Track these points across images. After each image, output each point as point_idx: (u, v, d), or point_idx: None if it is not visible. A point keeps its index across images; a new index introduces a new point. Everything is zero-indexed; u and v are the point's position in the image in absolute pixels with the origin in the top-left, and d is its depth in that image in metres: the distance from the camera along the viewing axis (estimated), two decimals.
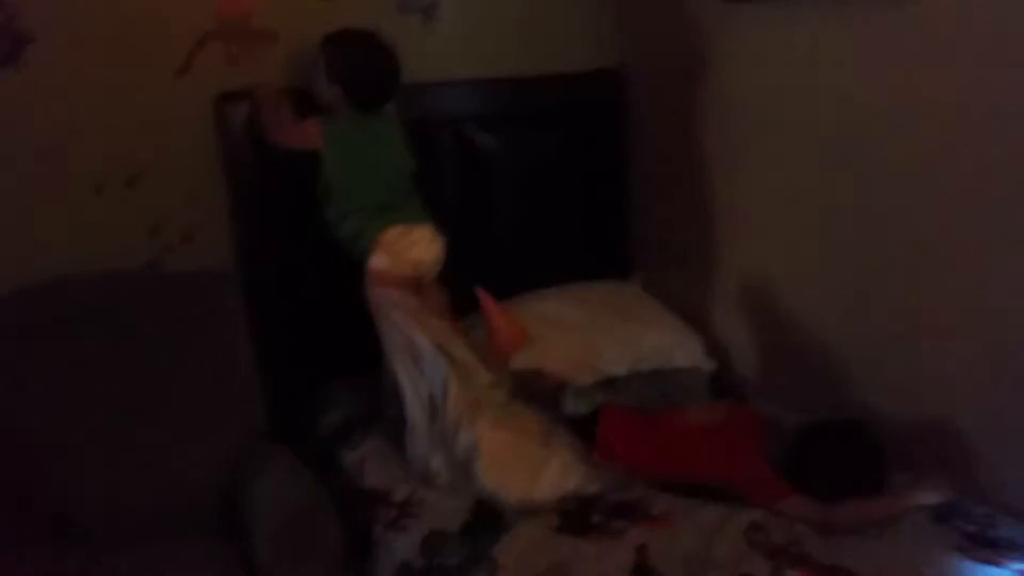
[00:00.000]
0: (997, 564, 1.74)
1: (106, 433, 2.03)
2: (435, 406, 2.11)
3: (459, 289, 2.41)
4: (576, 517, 1.90)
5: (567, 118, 2.82)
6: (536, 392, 2.25)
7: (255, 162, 2.35)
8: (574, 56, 2.81)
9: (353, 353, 2.35)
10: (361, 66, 2.25)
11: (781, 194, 2.46)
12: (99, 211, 2.27)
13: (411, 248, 2.29)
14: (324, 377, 2.50)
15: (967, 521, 1.89)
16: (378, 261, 2.26)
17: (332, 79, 2.24)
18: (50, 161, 2.20)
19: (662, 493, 1.98)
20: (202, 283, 2.30)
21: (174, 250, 2.38)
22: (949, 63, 1.97)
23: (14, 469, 1.94)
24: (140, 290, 2.24)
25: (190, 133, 2.34)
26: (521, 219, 2.80)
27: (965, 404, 2.07)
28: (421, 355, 2.16)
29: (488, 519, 1.95)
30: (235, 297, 2.32)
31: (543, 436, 2.07)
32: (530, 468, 1.98)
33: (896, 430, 2.13)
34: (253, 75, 2.33)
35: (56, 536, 1.93)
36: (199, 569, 1.91)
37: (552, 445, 2.05)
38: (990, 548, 1.79)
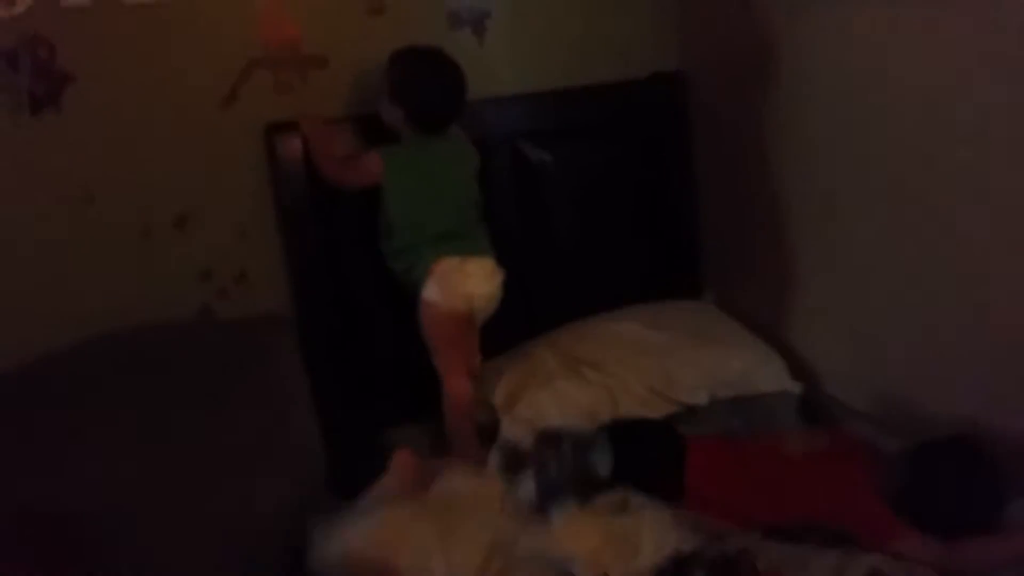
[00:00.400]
0: None
1: (160, 500, 1.89)
2: None
3: (516, 316, 2.30)
4: None
5: (627, 128, 2.67)
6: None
7: (309, 195, 2.22)
8: (631, 61, 2.64)
9: (421, 396, 2.23)
10: (424, 84, 2.13)
11: (867, 198, 2.27)
12: (147, 256, 2.16)
13: (465, 281, 2.16)
14: (389, 423, 2.37)
15: None
16: (429, 292, 2.15)
17: (395, 99, 2.12)
18: (94, 205, 2.09)
19: (765, 541, 1.82)
20: (258, 329, 2.18)
21: (227, 293, 2.27)
22: None
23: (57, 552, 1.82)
24: (193, 341, 2.11)
25: (239, 168, 2.22)
26: (582, 237, 2.66)
27: None
28: None
29: None
30: (292, 342, 2.18)
31: (617, 502, 1.85)
32: (623, 544, 1.75)
33: (1008, 449, 1.91)
34: (304, 103, 2.21)
35: None
36: None
37: (631, 507, 1.83)
38: None
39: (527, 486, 1.82)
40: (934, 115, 2.03)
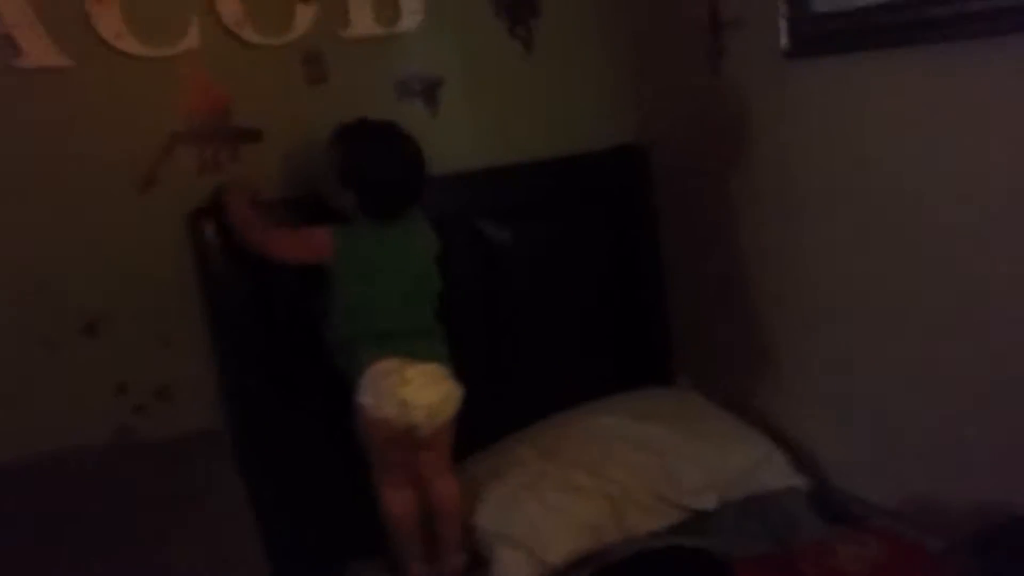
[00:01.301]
0: None
1: None
2: None
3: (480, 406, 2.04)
4: None
5: (589, 203, 2.49)
6: None
7: (244, 290, 1.93)
8: (592, 133, 2.46)
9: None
10: (377, 166, 1.86)
11: (848, 269, 2.11)
12: (50, 371, 1.83)
13: (402, 387, 1.86)
14: (345, 556, 2.06)
15: None
16: (361, 394, 1.87)
17: (345, 182, 1.84)
18: None
19: None
20: (185, 451, 1.86)
21: (147, 409, 1.93)
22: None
23: None
24: (108, 470, 1.80)
25: (160, 262, 1.92)
26: (546, 319, 2.44)
27: None
28: None
29: None
30: (228, 464, 1.88)
31: None
32: None
33: None
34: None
35: None
36: None
37: None
38: None
39: None
40: (915, 183, 1.91)
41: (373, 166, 1.86)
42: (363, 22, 2.06)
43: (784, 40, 2.06)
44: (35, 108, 1.78)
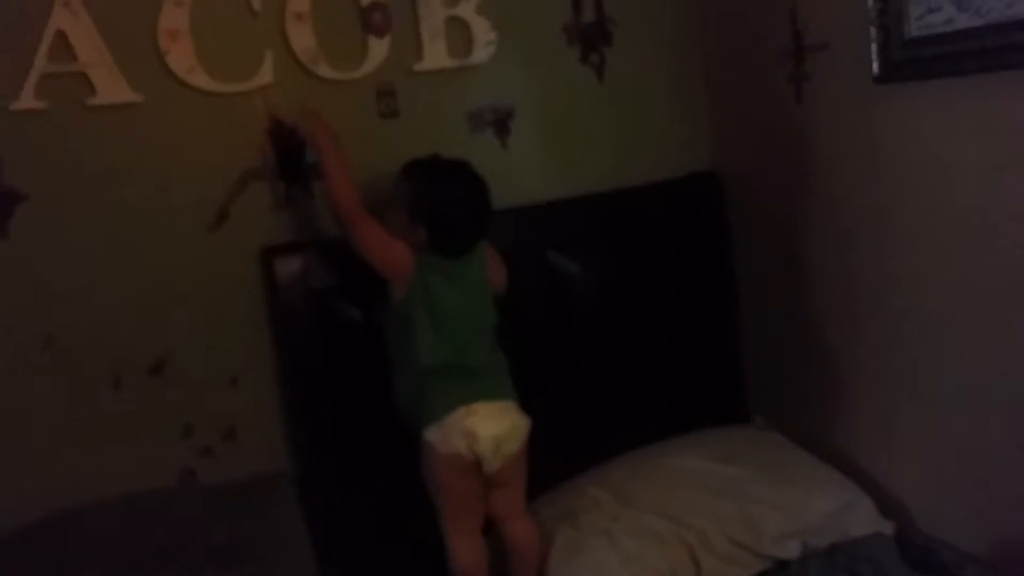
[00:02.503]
0: None
1: None
2: None
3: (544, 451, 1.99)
4: None
5: (661, 233, 2.40)
6: None
7: (317, 331, 1.87)
8: (664, 162, 2.38)
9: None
10: (452, 207, 1.82)
11: (937, 309, 1.99)
12: (116, 410, 1.80)
13: (468, 418, 1.81)
14: None
15: None
16: (429, 432, 1.82)
17: (417, 218, 1.79)
18: (51, 351, 1.74)
19: None
20: (256, 494, 1.80)
21: (213, 452, 1.90)
22: None
23: None
24: (175, 514, 1.73)
25: (229, 301, 1.89)
26: (615, 354, 2.36)
27: None
28: None
29: None
30: (294, 506, 1.81)
31: None
32: None
33: None
34: (308, 221, 1.87)
35: None
36: None
37: None
38: None
39: None
40: (991, 200, 1.82)
41: (444, 205, 1.81)
42: (436, 55, 2.02)
43: (875, 65, 1.97)
44: (106, 145, 1.75)
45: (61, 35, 1.69)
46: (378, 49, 1.95)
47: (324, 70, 1.90)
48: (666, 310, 2.46)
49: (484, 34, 2.07)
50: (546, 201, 2.23)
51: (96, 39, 1.71)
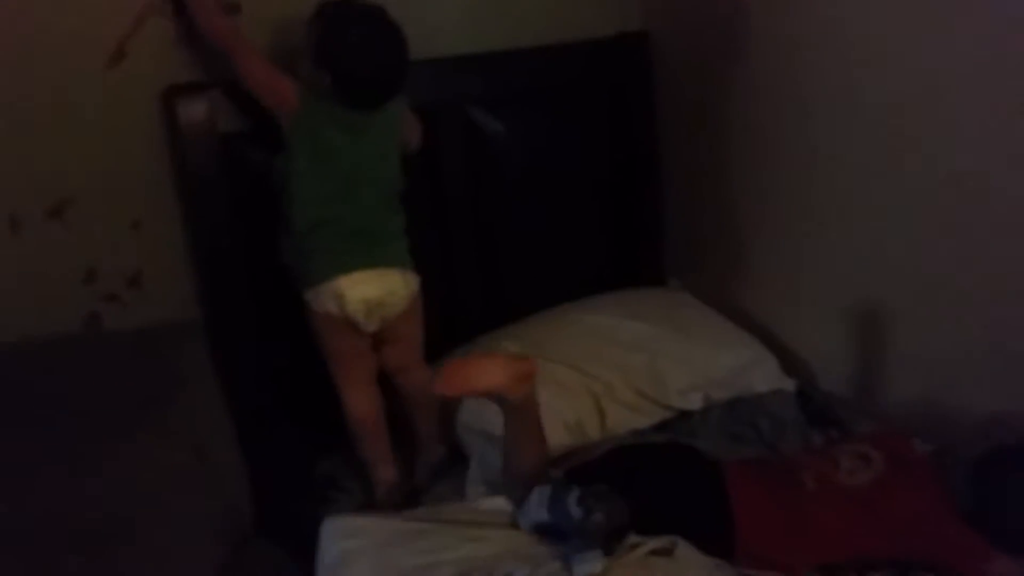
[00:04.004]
0: None
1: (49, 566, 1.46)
2: None
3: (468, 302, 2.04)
4: None
5: (588, 93, 2.38)
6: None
7: (222, 173, 1.82)
8: (591, 21, 2.34)
9: None
10: (358, 55, 1.71)
11: (854, 168, 2.02)
12: (15, 254, 1.73)
13: (340, 281, 1.77)
14: (324, 450, 2.02)
15: None
16: (305, 292, 1.81)
17: (321, 65, 1.71)
18: None
19: None
20: (159, 341, 1.77)
21: (118, 297, 1.86)
22: None
23: None
24: (81, 359, 1.70)
25: (130, 142, 1.81)
26: (535, 215, 2.35)
27: None
28: None
29: None
30: (203, 355, 1.81)
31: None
32: None
33: None
34: (211, 59, 1.79)
35: None
36: None
37: (679, 554, 1.44)
38: None
39: (537, 500, 1.46)
40: (927, 79, 1.81)
41: (349, 52, 1.71)
42: None
43: None
44: None
45: None
46: None
47: None
48: (588, 172, 2.45)
49: None
50: (467, 54, 2.16)
51: None
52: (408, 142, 1.91)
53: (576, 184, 2.41)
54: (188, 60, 1.81)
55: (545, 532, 1.46)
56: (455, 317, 2.19)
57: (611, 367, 2.04)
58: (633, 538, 1.38)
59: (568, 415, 1.91)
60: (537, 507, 1.45)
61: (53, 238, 1.77)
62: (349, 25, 1.73)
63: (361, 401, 1.89)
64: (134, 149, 1.82)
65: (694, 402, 2.05)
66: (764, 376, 2.15)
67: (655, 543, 1.35)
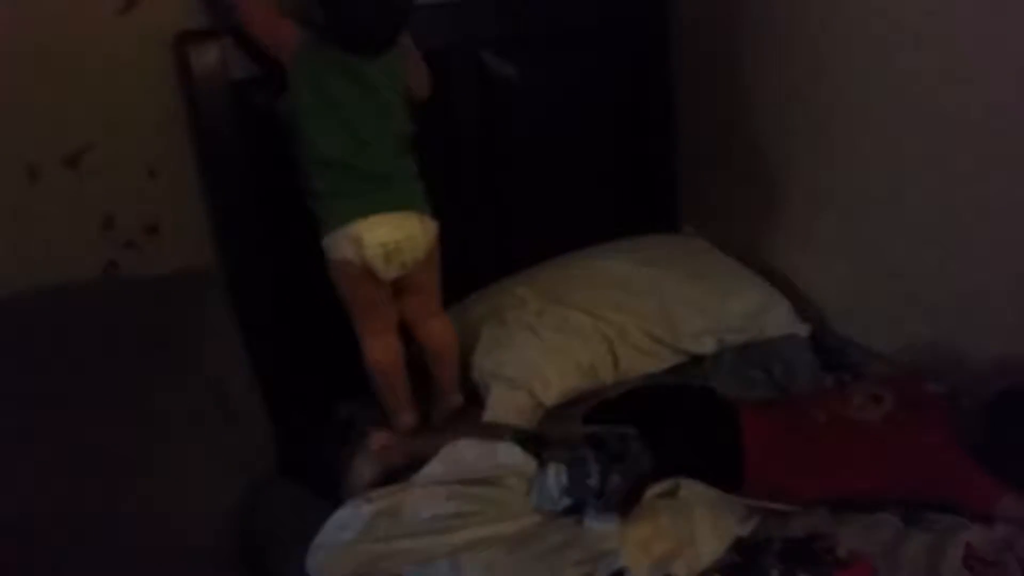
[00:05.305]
0: None
1: (74, 500, 1.50)
2: None
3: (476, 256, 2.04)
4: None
5: (601, 38, 2.34)
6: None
7: (235, 120, 1.82)
8: None
9: None
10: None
11: (871, 120, 2.01)
12: (33, 203, 1.75)
13: (357, 226, 1.75)
14: (342, 394, 2.04)
15: None
16: (325, 239, 1.79)
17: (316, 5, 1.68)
18: None
19: (835, 519, 1.52)
20: (180, 287, 1.81)
21: (136, 245, 1.88)
22: None
23: None
24: (101, 304, 1.73)
25: (143, 90, 1.80)
26: (549, 160, 2.34)
27: None
28: None
29: None
30: (222, 301, 1.84)
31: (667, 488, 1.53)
32: (675, 532, 1.42)
33: None
34: (220, 5, 1.76)
35: None
36: None
37: (680, 490, 1.51)
38: None
39: (555, 484, 1.48)
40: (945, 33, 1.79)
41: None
42: None
43: None
44: None
45: None
46: None
47: None
48: (603, 118, 2.43)
49: None
50: None
51: None
52: (415, 88, 1.87)
53: (591, 129, 2.39)
54: (199, 5, 1.79)
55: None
56: (467, 263, 2.19)
57: (624, 312, 2.05)
58: None
59: (582, 359, 1.93)
60: (556, 490, 1.47)
61: (70, 187, 1.78)
62: None
63: (381, 350, 1.89)
64: (148, 97, 1.81)
65: (707, 346, 2.06)
66: (777, 320, 2.16)
67: (659, 487, 1.38)
